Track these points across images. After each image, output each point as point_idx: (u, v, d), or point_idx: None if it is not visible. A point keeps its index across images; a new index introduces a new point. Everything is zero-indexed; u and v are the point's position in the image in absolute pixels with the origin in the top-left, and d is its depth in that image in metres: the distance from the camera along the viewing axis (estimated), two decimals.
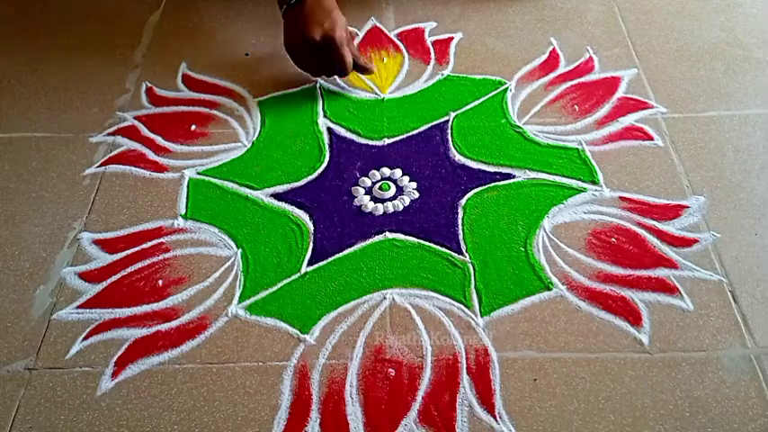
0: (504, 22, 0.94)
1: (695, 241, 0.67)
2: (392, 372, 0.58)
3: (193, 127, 0.80)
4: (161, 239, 0.69)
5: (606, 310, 0.62)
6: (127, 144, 0.78)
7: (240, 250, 0.68)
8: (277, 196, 0.73)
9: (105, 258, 0.67)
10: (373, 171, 0.75)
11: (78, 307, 0.63)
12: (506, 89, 0.84)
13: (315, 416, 0.56)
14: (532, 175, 0.74)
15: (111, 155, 0.77)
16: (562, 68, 0.87)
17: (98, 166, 0.76)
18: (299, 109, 0.82)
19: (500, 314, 0.62)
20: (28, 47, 0.92)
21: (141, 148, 0.78)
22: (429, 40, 0.92)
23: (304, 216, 0.71)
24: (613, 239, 0.67)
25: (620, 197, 0.71)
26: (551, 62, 0.88)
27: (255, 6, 0.97)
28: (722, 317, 0.61)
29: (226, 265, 0.66)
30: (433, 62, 0.88)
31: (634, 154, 0.76)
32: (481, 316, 0.62)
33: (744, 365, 0.58)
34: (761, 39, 0.90)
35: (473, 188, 0.73)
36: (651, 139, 0.77)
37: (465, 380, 0.57)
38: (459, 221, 0.69)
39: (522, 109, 0.81)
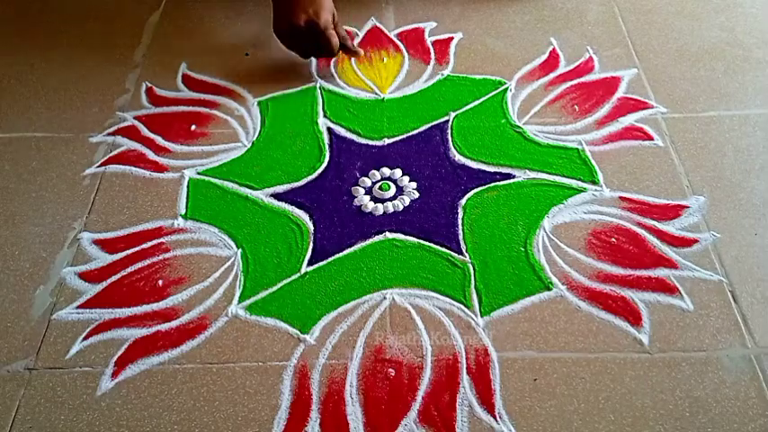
0: (504, 22, 0.94)
1: (695, 241, 0.67)
2: (392, 372, 0.58)
3: (193, 127, 0.80)
4: (161, 239, 0.69)
5: (606, 310, 0.62)
6: (127, 144, 0.78)
7: (240, 250, 0.68)
8: (277, 196, 0.73)
9: (105, 258, 0.67)
10: (373, 171, 0.75)
11: (78, 307, 0.63)
12: (506, 89, 0.84)
13: (315, 416, 0.56)
14: (532, 175, 0.74)
15: (111, 155, 0.77)
16: (562, 68, 0.87)
17: (98, 166, 0.76)
18: (299, 109, 0.82)
19: (500, 314, 0.62)
20: (28, 47, 0.92)
21: (141, 148, 0.78)
22: (429, 40, 0.92)
23: (304, 216, 0.71)
24: (613, 239, 0.67)
25: (620, 197, 0.71)
26: (551, 62, 0.88)
27: (255, 6, 0.97)
28: (722, 317, 0.61)
29: (226, 265, 0.66)
30: (433, 62, 0.88)
31: (634, 154, 0.76)
32: (481, 316, 0.62)
33: (744, 365, 0.58)
34: (761, 39, 0.90)
35: (473, 188, 0.73)
36: (651, 139, 0.77)
37: (465, 380, 0.57)
38: (459, 221, 0.69)
39: (522, 109, 0.81)
